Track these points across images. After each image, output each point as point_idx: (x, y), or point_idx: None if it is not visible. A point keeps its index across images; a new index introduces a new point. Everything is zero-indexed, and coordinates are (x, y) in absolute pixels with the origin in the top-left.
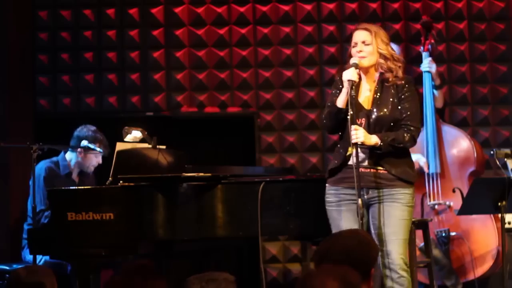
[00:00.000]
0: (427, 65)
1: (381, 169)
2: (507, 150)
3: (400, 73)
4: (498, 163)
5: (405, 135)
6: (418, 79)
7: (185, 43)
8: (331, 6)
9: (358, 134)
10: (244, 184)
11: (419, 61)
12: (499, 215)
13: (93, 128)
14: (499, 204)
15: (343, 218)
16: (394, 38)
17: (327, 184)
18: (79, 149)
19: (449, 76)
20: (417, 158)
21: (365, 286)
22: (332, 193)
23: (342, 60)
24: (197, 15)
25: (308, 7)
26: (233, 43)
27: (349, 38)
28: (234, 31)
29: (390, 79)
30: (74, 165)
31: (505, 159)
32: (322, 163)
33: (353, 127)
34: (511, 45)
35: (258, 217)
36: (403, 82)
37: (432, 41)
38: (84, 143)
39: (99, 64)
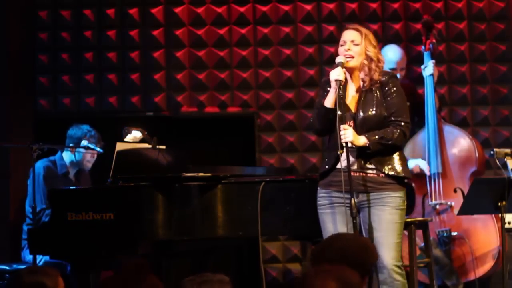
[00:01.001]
0: (431, 69)
1: (370, 173)
2: (507, 150)
3: (375, 75)
4: (498, 163)
5: (394, 131)
6: (418, 79)
7: (185, 43)
8: (331, 6)
9: (347, 133)
10: (244, 184)
11: (419, 61)
12: (499, 215)
13: (85, 126)
14: (499, 204)
15: (333, 221)
16: (394, 38)
17: (318, 187)
18: (71, 146)
19: (449, 76)
20: (417, 162)
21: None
22: (323, 196)
23: None
24: (197, 15)
25: (308, 7)
26: (233, 43)
27: None
28: (234, 31)
29: (366, 83)
30: (70, 164)
31: (505, 159)
32: (321, 163)
33: (342, 126)
34: (511, 45)
35: (258, 217)
36: (385, 78)
37: (434, 40)
38: (84, 143)
39: (99, 64)
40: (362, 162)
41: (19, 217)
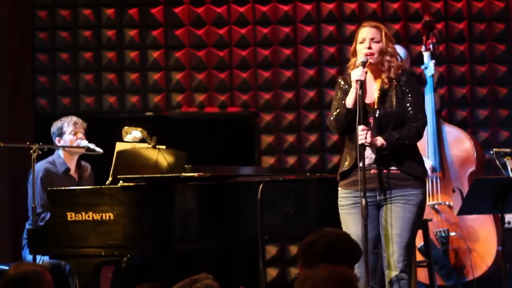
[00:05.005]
0: (432, 69)
1: (393, 169)
2: (507, 150)
3: (395, 72)
4: (498, 163)
5: (410, 130)
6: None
7: (185, 43)
8: (331, 6)
9: (362, 135)
10: (244, 184)
11: (419, 61)
12: (499, 215)
13: (64, 118)
14: (499, 204)
15: (356, 221)
16: (394, 38)
17: (339, 188)
18: (57, 138)
19: (449, 77)
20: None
21: None
22: (344, 197)
23: (342, 60)
24: (197, 15)
25: (308, 7)
26: (233, 43)
27: (349, 38)
28: (234, 31)
29: (387, 81)
30: (64, 157)
31: (505, 159)
32: (321, 163)
33: (360, 127)
34: (510, 45)
35: (258, 217)
36: (404, 76)
37: (434, 40)
38: (85, 143)
39: (99, 64)
40: (384, 160)
41: (19, 217)
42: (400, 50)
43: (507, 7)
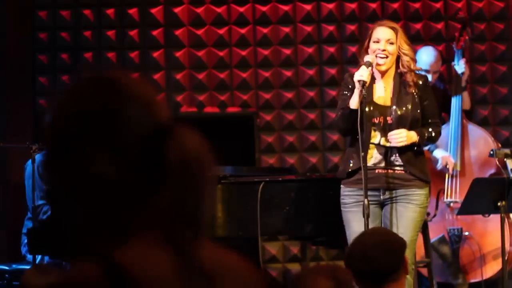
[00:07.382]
0: (463, 67)
1: (398, 169)
2: (507, 150)
3: (415, 75)
4: (498, 163)
5: (437, 130)
6: None
7: (184, 43)
8: (331, 6)
9: (402, 137)
10: (244, 184)
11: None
12: (510, 214)
13: None
14: (499, 204)
15: (359, 219)
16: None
17: (342, 186)
18: None
19: (449, 76)
20: (446, 155)
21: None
22: (347, 195)
23: (342, 60)
24: (196, 15)
25: (308, 7)
26: (233, 43)
27: (349, 38)
28: (233, 31)
29: (410, 80)
30: None
31: (505, 159)
32: (322, 163)
33: (397, 131)
34: (511, 45)
35: (258, 217)
36: (421, 82)
37: (467, 37)
38: None
39: (99, 64)
40: (390, 159)
41: (19, 216)
42: (430, 51)
43: (507, 7)
